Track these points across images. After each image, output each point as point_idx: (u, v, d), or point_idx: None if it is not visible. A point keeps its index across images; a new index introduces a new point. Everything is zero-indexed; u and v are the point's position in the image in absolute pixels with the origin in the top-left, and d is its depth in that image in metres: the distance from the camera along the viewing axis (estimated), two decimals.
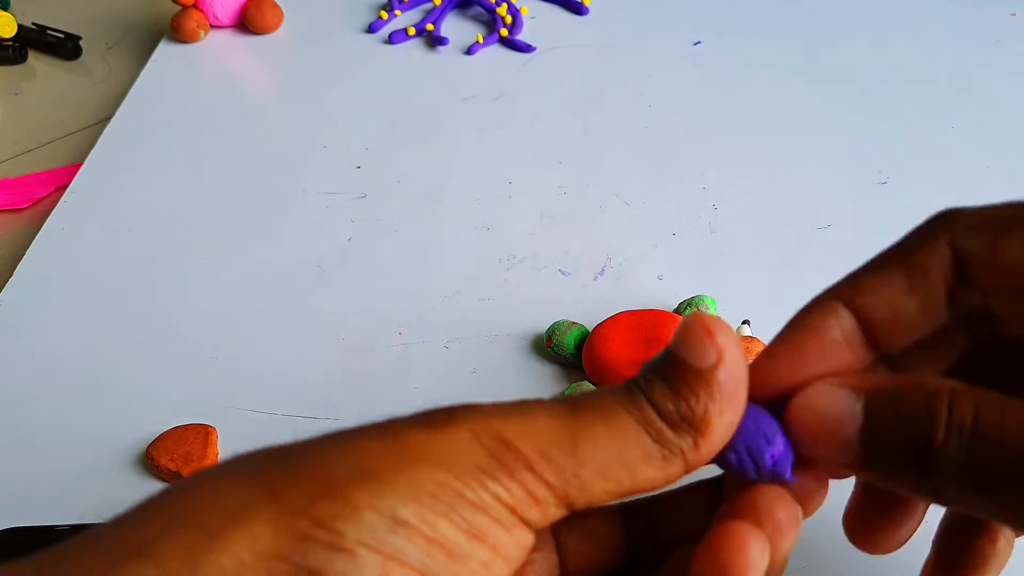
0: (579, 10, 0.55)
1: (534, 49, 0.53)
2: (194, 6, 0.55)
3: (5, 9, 0.58)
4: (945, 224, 0.20)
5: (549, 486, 0.17)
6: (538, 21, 0.55)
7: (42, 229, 0.43)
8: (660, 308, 0.35)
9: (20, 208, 0.46)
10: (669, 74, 0.50)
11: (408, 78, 0.52)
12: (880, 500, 0.23)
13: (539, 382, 0.35)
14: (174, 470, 0.32)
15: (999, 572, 0.23)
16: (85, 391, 0.36)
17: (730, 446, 0.19)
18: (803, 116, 0.46)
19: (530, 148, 0.46)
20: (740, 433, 0.19)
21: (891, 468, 0.18)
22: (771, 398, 0.20)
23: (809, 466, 0.19)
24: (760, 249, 0.39)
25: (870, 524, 0.23)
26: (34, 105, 0.55)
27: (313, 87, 0.52)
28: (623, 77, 0.50)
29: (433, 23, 0.55)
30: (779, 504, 0.19)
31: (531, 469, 0.17)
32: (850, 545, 0.28)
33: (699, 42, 0.52)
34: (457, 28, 0.55)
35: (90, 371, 0.37)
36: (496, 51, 0.53)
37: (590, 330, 0.34)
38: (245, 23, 0.56)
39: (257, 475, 0.17)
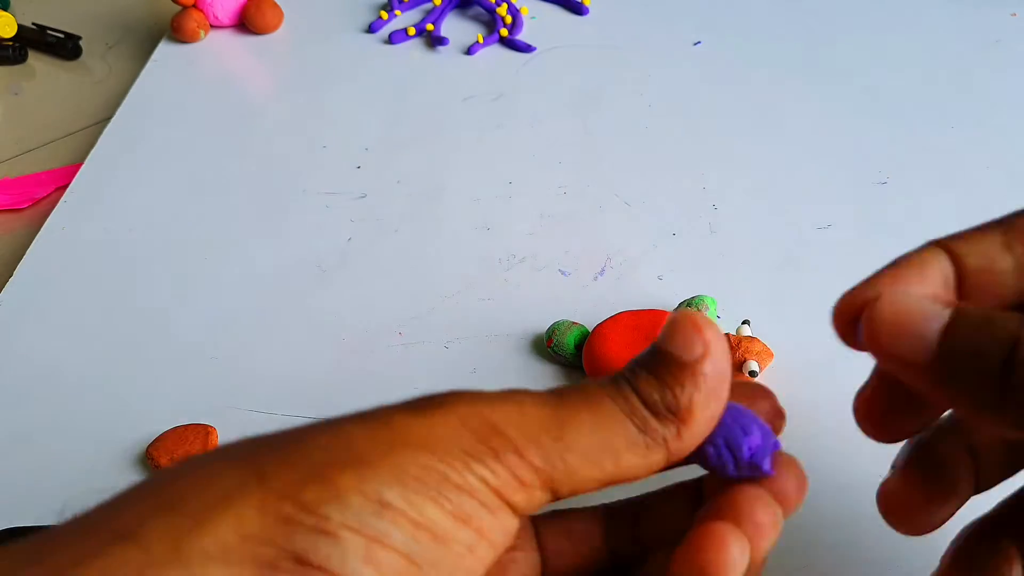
0: (579, 10, 0.55)
1: (534, 49, 0.53)
2: (194, 6, 0.55)
3: (5, 9, 0.58)
4: None
5: (535, 469, 0.17)
6: (538, 21, 0.55)
7: (42, 229, 0.43)
8: (660, 308, 0.35)
9: (20, 208, 0.46)
10: (669, 74, 0.50)
11: (408, 78, 0.52)
12: (924, 475, 0.23)
13: (539, 382, 0.35)
14: None
15: None
16: (85, 391, 0.36)
17: (709, 440, 0.19)
18: (803, 116, 0.46)
19: (530, 148, 0.46)
20: (718, 427, 0.19)
21: (966, 380, 0.18)
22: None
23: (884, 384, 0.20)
24: (760, 249, 0.39)
25: (910, 501, 0.23)
26: (34, 105, 0.55)
27: (313, 87, 0.52)
28: (623, 77, 0.50)
29: (433, 23, 0.55)
30: (759, 505, 0.19)
31: (518, 452, 0.17)
32: (849, 546, 0.28)
33: (699, 42, 0.52)
34: (457, 28, 0.55)
35: (90, 371, 0.37)
36: (496, 51, 0.53)
37: (590, 330, 0.34)
38: (245, 23, 0.56)
39: (245, 460, 0.17)
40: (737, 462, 0.19)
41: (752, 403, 0.21)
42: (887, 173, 0.42)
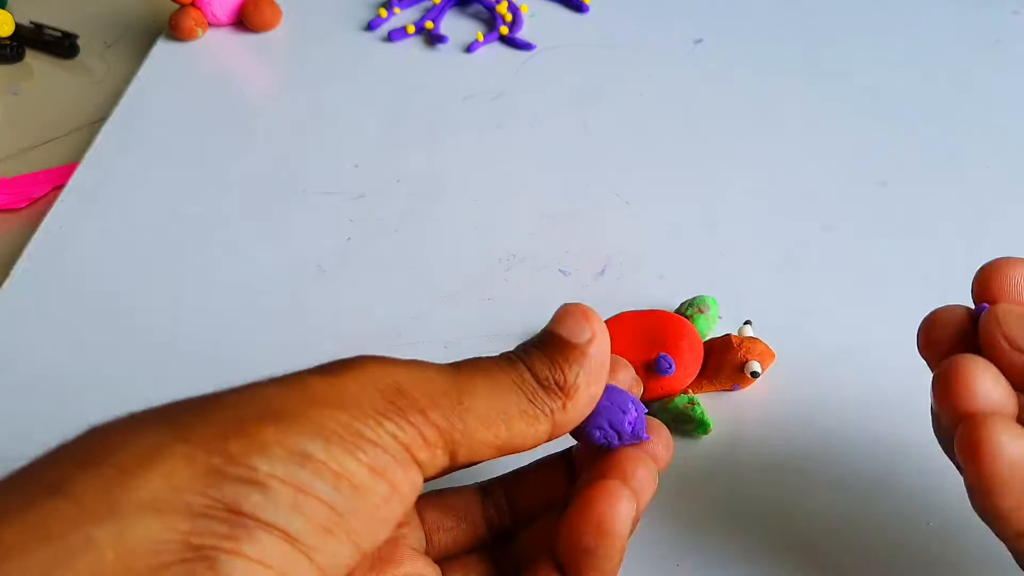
0: (579, 8, 0.55)
1: (534, 47, 0.52)
2: (192, 4, 0.55)
3: (2, 7, 0.58)
4: None
5: (438, 428, 0.19)
6: (538, 19, 0.55)
7: (39, 229, 0.43)
8: (661, 308, 0.35)
9: (17, 208, 0.46)
10: (669, 73, 0.50)
11: (407, 76, 0.51)
12: None
13: None
14: None
15: None
16: (84, 391, 0.36)
17: (595, 424, 0.22)
18: (803, 116, 0.46)
19: (530, 148, 0.46)
20: (601, 412, 0.22)
21: None
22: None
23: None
24: (761, 249, 0.39)
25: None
26: (31, 104, 0.54)
27: (312, 85, 0.52)
28: (623, 76, 0.50)
29: (432, 21, 0.55)
30: (641, 464, 0.22)
31: (422, 412, 0.19)
32: (849, 546, 0.28)
33: (700, 40, 0.52)
34: (456, 26, 0.55)
35: (89, 371, 0.36)
36: (496, 49, 0.53)
37: None
38: (243, 21, 0.56)
39: (167, 419, 0.17)
40: (621, 436, 0.22)
41: (614, 375, 0.24)
42: (887, 173, 0.42)
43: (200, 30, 0.55)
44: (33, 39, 0.57)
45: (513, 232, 0.41)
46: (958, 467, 0.22)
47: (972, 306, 0.22)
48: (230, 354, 0.37)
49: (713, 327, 0.35)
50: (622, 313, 0.34)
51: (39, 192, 0.46)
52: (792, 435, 0.32)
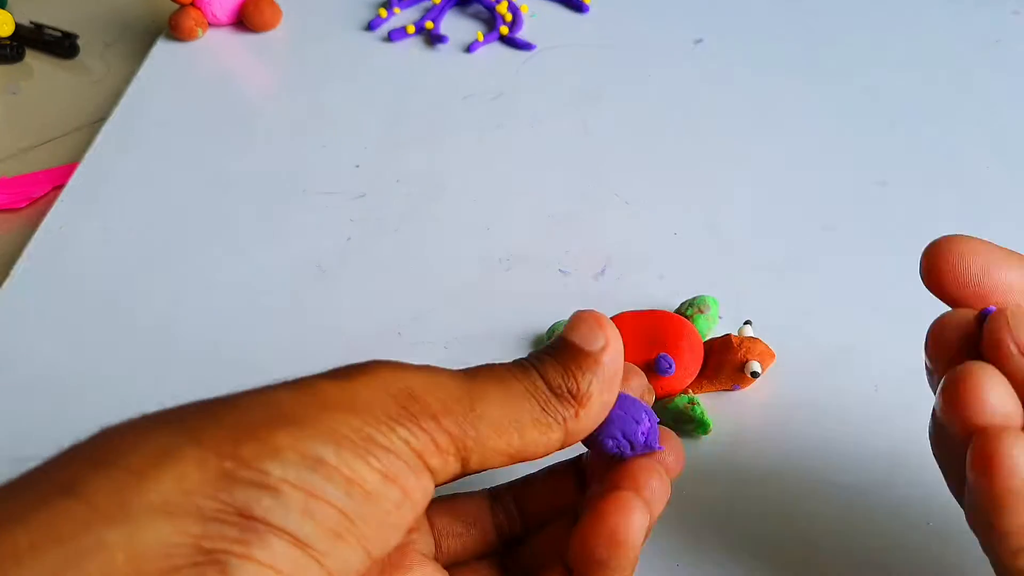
0: (579, 8, 0.55)
1: (534, 47, 0.52)
2: (192, 4, 0.55)
3: (2, 7, 0.58)
4: None
5: (450, 435, 0.19)
6: (538, 19, 0.55)
7: (39, 228, 0.43)
8: (661, 308, 0.35)
9: (17, 208, 0.46)
10: (669, 73, 0.50)
11: (407, 76, 0.51)
12: None
13: None
14: None
15: None
16: (84, 391, 0.36)
17: (607, 434, 0.22)
18: (803, 116, 0.46)
19: (530, 148, 0.46)
20: (614, 421, 0.22)
21: None
22: None
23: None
24: (761, 249, 0.39)
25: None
26: (31, 104, 0.54)
27: (312, 85, 0.52)
28: (623, 76, 0.50)
29: (432, 21, 0.55)
30: (654, 475, 0.21)
31: (435, 418, 0.19)
32: (849, 546, 0.28)
33: (700, 40, 0.52)
34: (456, 26, 0.55)
35: (88, 371, 0.36)
36: (496, 49, 0.53)
37: None
38: (243, 21, 0.56)
39: (179, 421, 0.17)
40: (634, 447, 0.22)
41: (627, 382, 0.24)
42: (887, 173, 0.42)
43: (200, 30, 0.55)
44: (33, 39, 0.57)
45: (513, 232, 0.41)
46: (952, 479, 0.22)
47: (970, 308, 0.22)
48: (230, 354, 0.37)
49: (713, 327, 0.35)
50: (622, 313, 0.34)
51: (39, 192, 0.46)
52: (792, 435, 0.32)
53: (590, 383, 0.20)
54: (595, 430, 0.22)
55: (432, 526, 0.23)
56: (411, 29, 0.54)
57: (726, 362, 0.32)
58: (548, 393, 0.20)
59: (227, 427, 0.17)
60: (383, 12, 0.56)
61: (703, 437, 0.32)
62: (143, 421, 0.18)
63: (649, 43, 0.52)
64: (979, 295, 0.21)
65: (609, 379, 0.21)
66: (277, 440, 0.17)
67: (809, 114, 0.46)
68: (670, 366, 0.32)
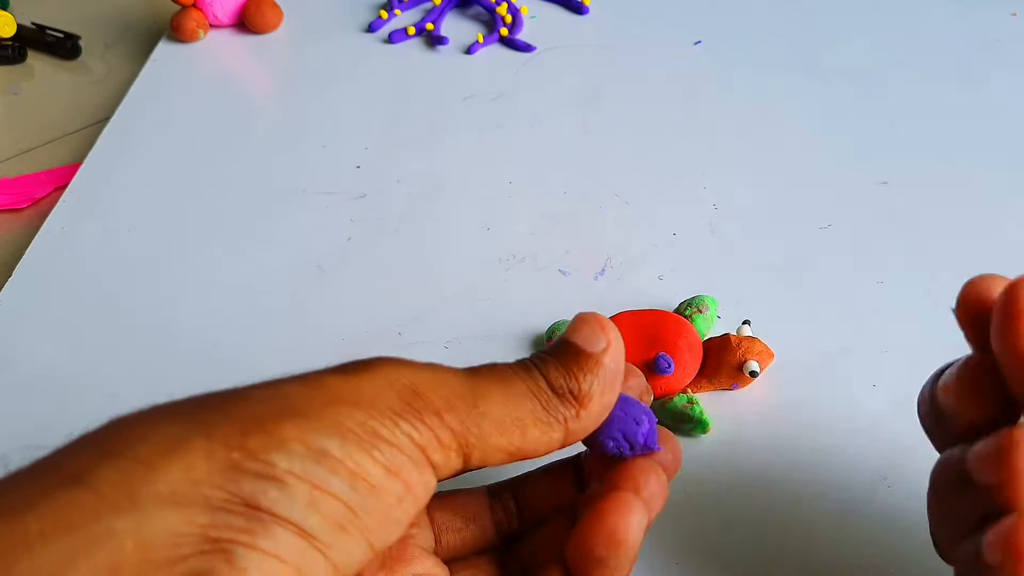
0: (579, 9, 0.55)
1: (534, 49, 0.52)
2: (193, 5, 0.55)
3: (4, 8, 0.58)
4: None
5: (453, 431, 0.19)
6: (538, 20, 0.55)
7: (41, 229, 0.43)
8: (661, 308, 0.35)
9: (19, 208, 0.46)
10: (669, 74, 0.50)
11: (408, 78, 0.52)
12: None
13: None
14: None
15: None
16: (84, 391, 0.36)
17: (607, 435, 0.22)
18: (803, 116, 0.46)
19: (530, 148, 0.46)
20: (614, 422, 0.22)
21: None
22: None
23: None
24: (760, 249, 0.39)
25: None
26: (33, 105, 0.54)
27: (313, 87, 0.52)
28: (623, 77, 0.50)
29: (433, 22, 0.55)
30: (652, 475, 0.22)
31: (438, 414, 0.19)
32: (849, 545, 0.28)
33: (699, 42, 0.52)
34: (457, 27, 0.55)
35: (89, 371, 0.36)
36: (496, 50, 0.53)
37: None
38: (245, 22, 0.56)
39: (188, 412, 0.18)
40: (633, 447, 0.22)
41: (625, 382, 0.24)
42: (887, 173, 0.42)
43: (201, 31, 0.55)
44: (35, 40, 0.58)
45: (513, 232, 0.41)
46: (938, 442, 0.22)
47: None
48: (230, 354, 0.37)
49: (712, 327, 0.35)
50: (621, 313, 0.34)
51: (41, 192, 0.47)
52: (791, 434, 0.32)
53: (591, 384, 0.21)
54: (595, 430, 0.22)
55: (432, 521, 0.24)
56: (411, 30, 0.54)
57: (725, 362, 0.32)
58: (550, 393, 0.21)
59: (235, 419, 0.17)
60: (384, 14, 0.56)
61: (702, 436, 0.32)
62: (152, 412, 0.18)
63: (649, 44, 0.52)
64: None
65: (610, 380, 0.21)
66: (283, 432, 0.17)
67: (809, 114, 0.46)
68: (669, 366, 0.32)
